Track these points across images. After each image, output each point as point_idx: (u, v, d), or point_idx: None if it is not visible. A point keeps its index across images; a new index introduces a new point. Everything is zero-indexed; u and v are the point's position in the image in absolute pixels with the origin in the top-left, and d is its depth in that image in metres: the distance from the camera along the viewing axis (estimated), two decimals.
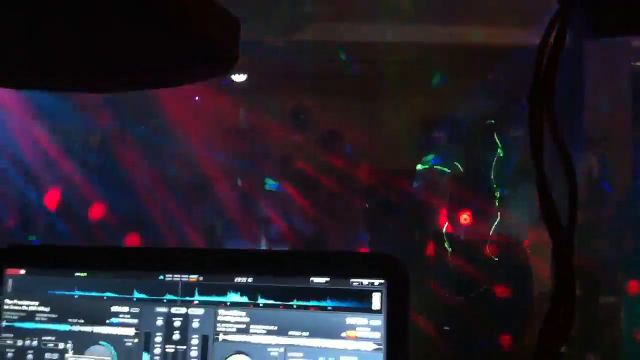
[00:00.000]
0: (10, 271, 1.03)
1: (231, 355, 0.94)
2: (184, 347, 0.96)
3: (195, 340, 0.96)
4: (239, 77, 5.81)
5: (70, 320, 1.00)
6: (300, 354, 0.92)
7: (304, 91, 5.38)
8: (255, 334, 0.94)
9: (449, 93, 4.86)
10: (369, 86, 5.28)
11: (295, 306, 0.94)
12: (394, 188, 4.39)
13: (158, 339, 0.97)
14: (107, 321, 0.99)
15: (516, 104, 4.42)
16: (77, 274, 1.01)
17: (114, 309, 0.99)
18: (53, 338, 1.00)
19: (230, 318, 0.95)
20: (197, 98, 6.23)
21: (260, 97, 5.29)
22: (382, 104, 5.36)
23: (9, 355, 1.01)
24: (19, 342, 1.01)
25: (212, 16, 0.73)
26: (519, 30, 4.72)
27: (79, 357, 0.99)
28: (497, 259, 3.95)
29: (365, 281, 0.92)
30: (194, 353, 0.95)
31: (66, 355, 0.99)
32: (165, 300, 0.98)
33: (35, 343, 1.00)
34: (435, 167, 4.42)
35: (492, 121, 4.48)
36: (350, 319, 0.92)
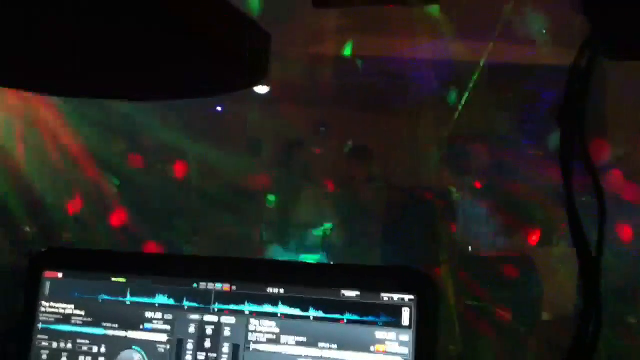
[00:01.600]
0: (48, 274, 1.05)
1: None
2: (215, 355, 0.98)
3: (226, 349, 0.98)
4: (261, 89, 5.86)
5: (104, 324, 1.02)
6: None
7: (326, 104, 5.41)
8: (286, 344, 0.96)
9: (470, 110, 4.86)
10: (391, 101, 5.30)
11: (325, 318, 0.95)
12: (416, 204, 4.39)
13: (190, 346, 0.99)
14: (141, 327, 1.01)
15: (535, 123, 4.42)
16: (113, 279, 1.03)
17: (148, 314, 1.01)
18: (87, 341, 1.02)
19: (262, 328, 0.97)
20: (218, 108, 6.29)
21: (282, 109, 5.33)
22: (404, 119, 5.38)
23: (44, 357, 1.03)
24: (54, 344, 1.03)
25: (244, 29, 0.75)
26: (541, 49, 4.72)
27: None
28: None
29: (396, 296, 0.94)
30: None
31: (99, 358, 1.01)
32: (198, 308, 1.00)
33: (69, 346, 1.03)
34: None
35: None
36: (380, 334, 0.93)
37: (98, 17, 0.63)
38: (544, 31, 4.60)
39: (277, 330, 0.97)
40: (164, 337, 1.00)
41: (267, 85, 5.68)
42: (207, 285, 1.00)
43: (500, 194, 4.11)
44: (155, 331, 1.01)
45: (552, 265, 4.15)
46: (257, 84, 0.89)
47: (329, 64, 5.19)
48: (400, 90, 5.34)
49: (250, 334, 0.97)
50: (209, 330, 0.99)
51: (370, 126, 5.54)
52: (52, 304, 1.05)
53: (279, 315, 0.97)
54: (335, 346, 0.94)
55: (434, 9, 4.73)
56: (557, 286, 4.07)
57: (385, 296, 0.94)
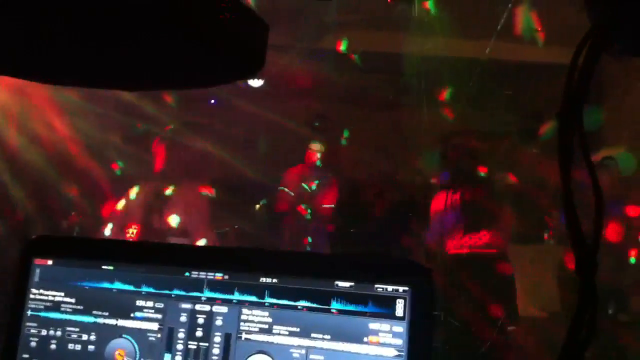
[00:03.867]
0: (37, 261, 1.04)
1: (253, 354, 0.95)
2: (207, 344, 0.97)
3: (218, 338, 0.97)
4: (255, 82, 5.82)
5: (95, 312, 1.01)
6: (322, 357, 0.93)
7: (321, 98, 5.40)
8: (278, 334, 0.95)
9: (469, 107, 4.86)
10: (389, 97, 5.30)
11: (318, 309, 0.94)
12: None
13: (181, 335, 0.98)
14: (132, 315, 1.00)
15: (535, 120, 4.42)
16: (103, 266, 1.02)
17: (139, 303, 1.00)
18: (77, 329, 1.01)
19: (254, 317, 0.96)
20: (212, 101, 6.26)
21: (277, 103, 5.30)
22: (401, 115, 5.37)
23: (33, 344, 1.02)
24: (43, 332, 1.02)
25: (242, 19, 0.74)
26: (540, 47, 4.72)
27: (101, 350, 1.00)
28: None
29: (390, 287, 0.93)
30: (216, 351, 0.96)
31: (89, 347, 1.00)
32: (190, 297, 0.98)
33: (59, 333, 1.01)
34: None
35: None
36: (373, 324, 0.92)
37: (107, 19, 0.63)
38: (542, 29, 4.59)
39: (269, 320, 0.96)
40: (155, 326, 0.99)
41: (262, 79, 5.65)
42: (199, 274, 0.99)
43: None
44: (146, 320, 0.99)
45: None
46: (252, 76, 0.87)
47: (327, 58, 5.17)
48: (397, 86, 5.33)
49: (242, 323, 0.96)
50: (200, 319, 0.98)
51: (365, 121, 5.54)
52: (41, 291, 1.03)
53: (271, 305, 0.96)
54: (328, 337, 0.93)
55: (432, 6, 4.72)
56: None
57: (380, 287, 0.93)
